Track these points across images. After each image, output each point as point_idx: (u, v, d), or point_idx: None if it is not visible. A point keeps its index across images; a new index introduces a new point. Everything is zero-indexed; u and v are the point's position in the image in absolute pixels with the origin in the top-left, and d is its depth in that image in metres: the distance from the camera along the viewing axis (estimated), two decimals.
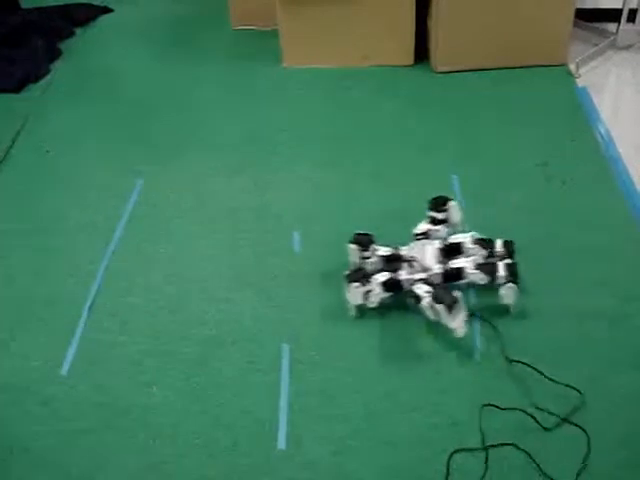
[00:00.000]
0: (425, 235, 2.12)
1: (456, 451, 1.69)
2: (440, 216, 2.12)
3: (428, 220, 2.14)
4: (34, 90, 3.22)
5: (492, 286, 1.99)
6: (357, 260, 2.09)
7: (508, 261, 2.01)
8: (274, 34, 3.24)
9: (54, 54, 3.46)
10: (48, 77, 3.30)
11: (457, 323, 1.88)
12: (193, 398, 1.87)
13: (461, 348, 1.93)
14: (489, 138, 2.74)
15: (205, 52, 3.43)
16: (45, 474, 1.72)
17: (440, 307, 1.88)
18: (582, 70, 3.09)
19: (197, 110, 3.03)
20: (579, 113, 2.84)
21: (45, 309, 2.14)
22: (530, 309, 2.03)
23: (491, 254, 2.05)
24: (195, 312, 2.10)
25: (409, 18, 3.08)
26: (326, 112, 2.96)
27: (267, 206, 2.47)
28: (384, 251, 2.09)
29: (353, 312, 2.03)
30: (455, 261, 2.01)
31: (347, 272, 2.04)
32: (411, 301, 1.99)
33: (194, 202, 2.52)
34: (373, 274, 2.02)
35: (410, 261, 2.03)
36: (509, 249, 2.07)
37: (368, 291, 1.99)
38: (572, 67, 3.07)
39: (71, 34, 3.65)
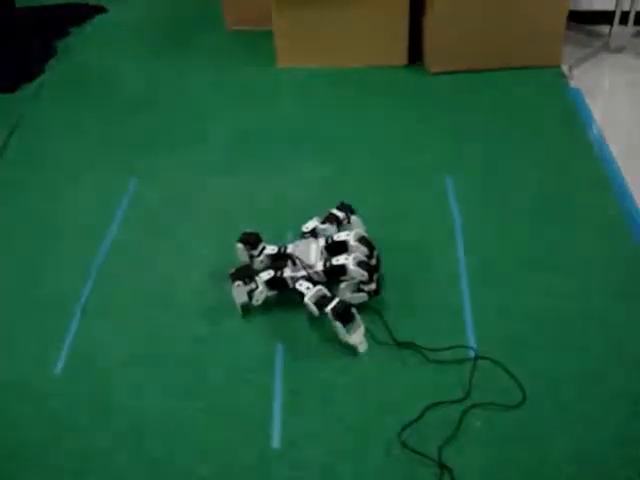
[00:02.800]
0: (313, 233, 2.15)
1: (444, 444, 1.70)
2: (341, 216, 2.17)
3: (319, 218, 2.18)
4: (28, 89, 3.22)
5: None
6: (246, 259, 2.11)
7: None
8: (269, 35, 3.24)
9: (49, 53, 3.46)
10: (42, 76, 3.30)
11: (355, 340, 1.91)
12: (186, 397, 1.87)
13: (451, 348, 1.94)
14: (482, 139, 2.75)
15: (199, 52, 3.44)
16: (36, 473, 1.72)
17: (338, 325, 1.89)
18: (575, 72, 3.11)
19: (191, 110, 3.04)
20: (572, 114, 2.86)
21: (38, 309, 2.13)
22: (519, 306, 2.05)
23: (371, 254, 2.07)
24: (188, 312, 2.10)
25: (403, 19, 3.09)
26: (320, 112, 2.97)
27: (261, 205, 2.47)
28: (271, 249, 2.12)
29: (239, 311, 2.04)
30: (337, 258, 2.02)
31: (231, 271, 2.04)
32: (297, 298, 1.98)
33: (188, 201, 2.52)
34: (258, 273, 2.04)
35: (294, 259, 2.04)
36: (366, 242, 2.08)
37: (252, 289, 2.00)
38: (565, 69, 3.09)
39: (66, 33, 3.65)
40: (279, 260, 2.09)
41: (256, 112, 2.99)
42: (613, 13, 3.18)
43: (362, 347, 1.94)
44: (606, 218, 2.35)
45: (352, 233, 2.07)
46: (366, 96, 3.05)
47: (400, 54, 3.19)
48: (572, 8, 3.14)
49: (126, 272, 2.24)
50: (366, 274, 1.98)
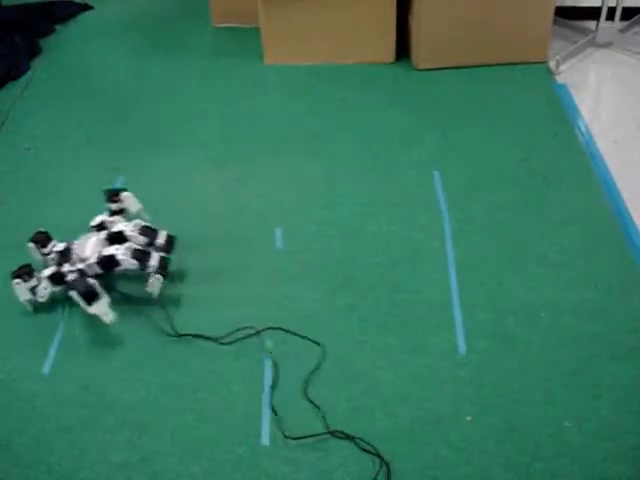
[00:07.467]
0: (101, 226, 2.19)
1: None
2: (114, 207, 2.23)
3: (106, 212, 2.23)
4: (14, 87, 3.19)
5: (143, 273, 2.07)
6: (39, 257, 2.15)
7: (163, 254, 2.10)
8: (256, 31, 3.24)
9: (34, 51, 3.43)
10: (28, 74, 3.28)
11: (96, 309, 1.96)
12: (176, 395, 1.86)
13: (444, 346, 1.94)
14: (470, 135, 2.75)
15: (186, 50, 3.42)
16: (27, 472, 1.71)
17: (74, 294, 1.95)
18: (562, 67, 3.11)
19: (178, 107, 3.02)
20: (559, 110, 2.87)
21: (26, 308, 2.12)
22: (506, 302, 2.05)
23: (152, 243, 2.13)
24: (179, 309, 2.09)
25: (391, 15, 3.09)
26: (307, 109, 2.96)
27: (249, 202, 2.47)
28: (59, 246, 2.15)
29: (29, 307, 2.08)
30: (107, 248, 2.08)
31: (14, 269, 2.08)
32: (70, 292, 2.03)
33: (175, 199, 2.51)
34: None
35: (72, 254, 2.09)
36: (170, 243, 2.15)
37: (34, 286, 2.05)
38: (552, 64, 3.10)
39: (51, 31, 3.62)
40: (64, 256, 2.12)
41: (243, 109, 2.98)
42: (600, 9, 3.18)
43: (107, 318, 1.98)
44: (593, 213, 2.36)
45: (131, 223, 2.15)
46: (353, 93, 3.04)
47: (388, 51, 3.19)
48: (559, 4, 3.14)
49: None
50: (137, 263, 2.04)
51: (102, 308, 1.97)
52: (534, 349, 1.92)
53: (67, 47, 3.51)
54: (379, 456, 1.69)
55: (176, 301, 2.12)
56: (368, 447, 1.71)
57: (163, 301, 2.11)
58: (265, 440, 1.74)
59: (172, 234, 2.18)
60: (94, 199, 2.49)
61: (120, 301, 2.09)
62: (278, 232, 2.32)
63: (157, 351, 1.98)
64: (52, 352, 1.99)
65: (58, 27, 3.66)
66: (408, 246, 2.26)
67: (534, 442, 1.71)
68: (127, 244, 2.09)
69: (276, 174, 2.60)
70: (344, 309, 2.06)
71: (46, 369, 1.95)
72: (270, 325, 2.01)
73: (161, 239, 2.14)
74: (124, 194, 2.23)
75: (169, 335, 2.00)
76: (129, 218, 2.23)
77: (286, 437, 1.73)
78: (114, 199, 2.23)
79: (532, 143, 2.68)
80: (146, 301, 2.10)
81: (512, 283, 2.11)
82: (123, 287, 2.14)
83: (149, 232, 2.14)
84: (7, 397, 1.88)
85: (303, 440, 1.73)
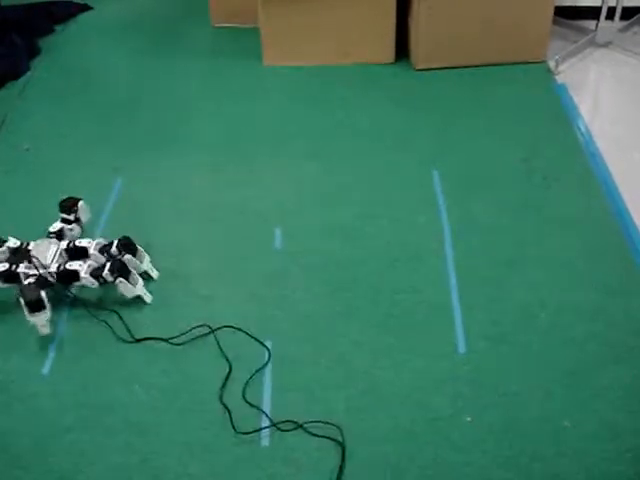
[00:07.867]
0: (60, 234, 2.19)
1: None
2: (71, 217, 2.23)
3: (62, 220, 2.23)
4: (13, 87, 3.19)
5: (108, 285, 2.08)
6: None
7: (116, 259, 2.10)
8: (255, 32, 3.24)
9: (33, 51, 3.43)
10: (27, 74, 3.28)
11: (35, 319, 1.96)
12: (175, 395, 1.86)
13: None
14: (470, 135, 2.75)
15: (185, 50, 3.42)
16: (26, 473, 1.70)
17: (21, 299, 1.95)
18: (562, 67, 3.11)
19: (177, 107, 3.02)
20: (559, 110, 2.87)
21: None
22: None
23: (109, 255, 2.13)
24: (177, 308, 2.09)
25: (390, 16, 3.08)
26: (307, 109, 2.96)
27: (248, 203, 2.47)
28: (13, 243, 2.15)
29: None
30: (72, 263, 2.08)
31: None
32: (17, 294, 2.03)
33: (174, 200, 2.50)
34: None
35: (31, 257, 2.09)
36: (121, 246, 2.14)
37: None
38: (552, 64, 3.09)
39: (50, 31, 3.62)
40: (18, 255, 2.12)
41: (243, 109, 2.98)
42: (600, 8, 3.18)
43: (42, 330, 1.99)
44: (593, 213, 2.36)
45: (94, 241, 2.14)
46: (353, 93, 3.04)
47: (387, 51, 3.19)
48: (558, 4, 3.14)
49: None
50: (96, 283, 2.06)
51: (41, 320, 1.97)
52: (534, 349, 1.92)
53: (67, 47, 3.51)
54: (334, 439, 1.71)
55: (175, 301, 2.12)
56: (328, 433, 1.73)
57: (158, 302, 2.12)
58: (265, 440, 1.74)
59: (124, 236, 2.16)
60: (94, 199, 2.50)
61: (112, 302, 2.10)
62: (278, 232, 2.32)
63: (158, 351, 1.98)
64: (51, 353, 1.99)
65: (58, 27, 3.66)
66: (408, 246, 2.26)
67: (534, 442, 1.70)
68: (89, 262, 2.09)
69: (276, 174, 2.60)
70: (344, 309, 2.06)
71: (45, 370, 1.94)
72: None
73: (114, 248, 2.14)
74: (80, 203, 2.25)
75: (171, 338, 2.00)
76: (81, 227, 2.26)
77: (237, 433, 1.75)
78: (72, 208, 2.23)
79: (532, 143, 2.68)
80: (138, 303, 2.12)
81: (512, 283, 2.11)
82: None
83: (105, 248, 2.15)
84: (6, 397, 1.88)
85: (303, 441, 1.73)
